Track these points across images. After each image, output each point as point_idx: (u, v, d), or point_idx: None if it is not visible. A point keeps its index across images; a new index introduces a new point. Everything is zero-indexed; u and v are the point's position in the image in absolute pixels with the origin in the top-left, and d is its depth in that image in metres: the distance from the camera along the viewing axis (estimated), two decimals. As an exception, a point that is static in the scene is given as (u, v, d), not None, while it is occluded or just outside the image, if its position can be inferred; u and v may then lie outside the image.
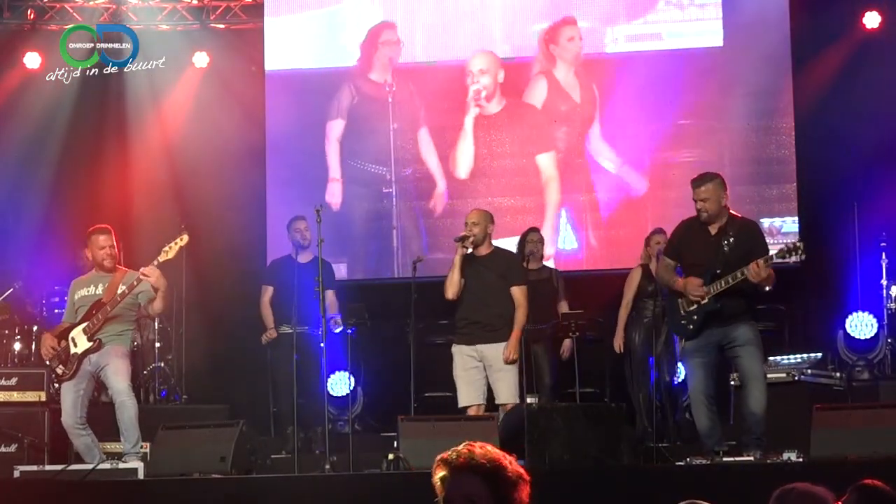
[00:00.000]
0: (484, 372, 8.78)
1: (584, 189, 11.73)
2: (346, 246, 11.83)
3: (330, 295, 10.07)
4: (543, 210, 11.65)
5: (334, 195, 11.94)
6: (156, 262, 8.49)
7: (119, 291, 8.55)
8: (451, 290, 8.82)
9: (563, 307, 10.21)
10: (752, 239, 7.99)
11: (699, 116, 11.64)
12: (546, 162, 11.74)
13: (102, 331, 8.56)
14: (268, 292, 10.38)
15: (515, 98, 11.89)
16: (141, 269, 8.48)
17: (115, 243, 8.76)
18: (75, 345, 8.60)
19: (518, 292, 8.85)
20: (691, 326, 8.05)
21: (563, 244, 11.61)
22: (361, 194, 12.03)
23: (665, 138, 11.61)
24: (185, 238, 8.65)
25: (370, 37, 12.09)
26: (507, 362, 8.70)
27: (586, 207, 11.71)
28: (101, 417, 8.87)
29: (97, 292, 8.69)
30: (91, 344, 8.55)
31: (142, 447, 8.59)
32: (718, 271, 7.92)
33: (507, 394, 8.73)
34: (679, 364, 9.92)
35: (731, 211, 8.22)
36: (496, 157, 11.86)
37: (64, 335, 8.66)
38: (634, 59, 11.77)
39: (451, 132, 11.91)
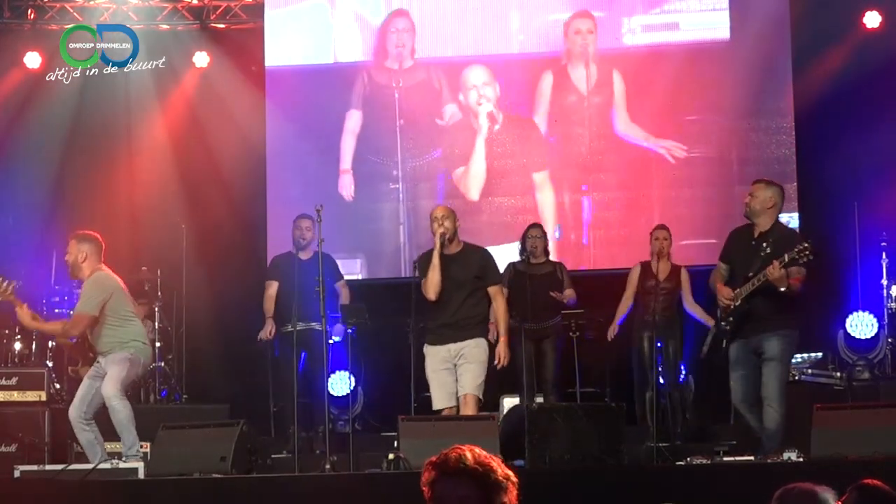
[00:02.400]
0: (455, 372, 8.54)
1: (586, 188, 11.72)
2: (360, 243, 11.83)
3: (342, 287, 10.05)
4: (544, 210, 11.64)
5: (346, 187, 11.92)
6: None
7: None
8: (434, 290, 8.46)
9: (570, 293, 10.04)
10: (789, 246, 7.95)
11: (704, 114, 11.64)
12: (541, 177, 11.72)
13: (96, 343, 8.54)
14: (272, 286, 10.08)
15: (511, 101, 11.88)
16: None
17: (77, 254, 8.50)
18: None
19: (496, 291, 8.63)
20: (728, 328, 8.18)
21: (563, 243, 11.59)
22: (370, 190, 12.02)
23: (671, 136, 11.61)
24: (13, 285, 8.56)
25: (382, 27, 12.07)
26: (501, 365, 8.57)
27: (587, 206, 11.70)
28: (101, 418, 8.85)
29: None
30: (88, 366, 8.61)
31: (140, 448, 8.58)
32: (751, 274, 7.99)
33: (469, 385, 8.43)
34: (681, 365, 9.95)
35: (781, 222, 8.37)
36: (496, 158, 11.85)
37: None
38: (643, 54, 11.77)
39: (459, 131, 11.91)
